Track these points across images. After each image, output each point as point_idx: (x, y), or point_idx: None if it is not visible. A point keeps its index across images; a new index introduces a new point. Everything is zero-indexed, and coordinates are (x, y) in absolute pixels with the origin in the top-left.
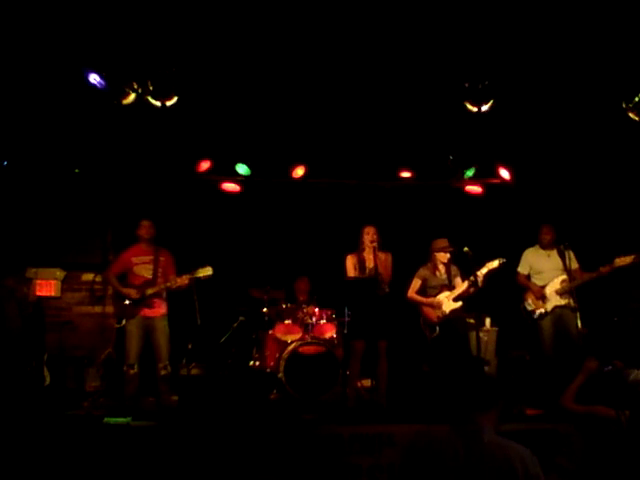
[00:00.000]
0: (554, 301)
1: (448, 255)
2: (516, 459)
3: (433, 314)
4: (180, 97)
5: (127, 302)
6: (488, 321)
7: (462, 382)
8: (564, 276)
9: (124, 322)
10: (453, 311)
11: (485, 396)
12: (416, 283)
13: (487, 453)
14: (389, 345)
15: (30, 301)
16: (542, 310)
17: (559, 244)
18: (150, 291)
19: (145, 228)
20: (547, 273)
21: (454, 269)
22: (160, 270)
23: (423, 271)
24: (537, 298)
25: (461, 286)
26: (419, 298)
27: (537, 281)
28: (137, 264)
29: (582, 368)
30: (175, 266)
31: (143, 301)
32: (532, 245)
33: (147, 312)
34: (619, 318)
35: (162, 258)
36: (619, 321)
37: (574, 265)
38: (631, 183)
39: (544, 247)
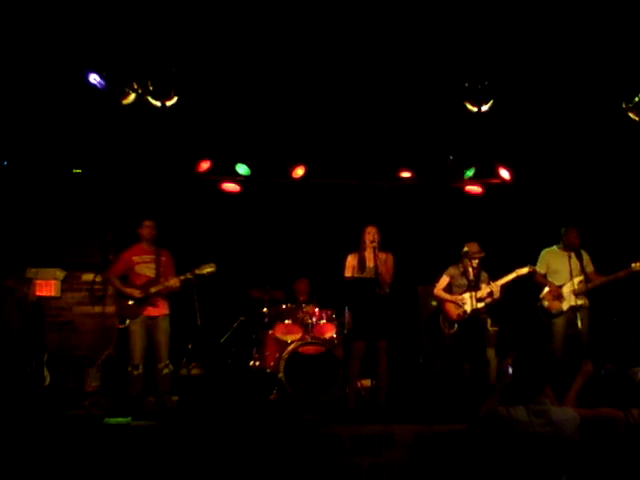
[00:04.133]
0: (570, 301)
1: (478, 260)
2: (568, 428)
3: (454, 311)
4: (180, 97)
5: (130, 302)
6: (488, 321)
7: (527, 371)
8: (581, 277)
9: (128, 322)
10: (475, 311)
11: (537, 379)
12: (444, 280)
13: (554, 427)
14: (389, 345)
15: (30, 301)
16: (558, 309)
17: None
18: (154, 289)
19: (148, 228)
20: (564, 273)
21: (483, 275)
22: (162, 269)
23: (452, 269)
24: (554, 297)
25: (484, 290)
26: (445, 295)
27: (553, 281)
28: (139, 263)
29: (579, 372)
30: (174, 267)
31: (147, 300)
32: (532, 245)
33: (151, 311)
34: (619, 319)
35: (163, 258)
36: (619, 322)
37: (589, 268)
38: (630, 183)
39: (566, 249)
